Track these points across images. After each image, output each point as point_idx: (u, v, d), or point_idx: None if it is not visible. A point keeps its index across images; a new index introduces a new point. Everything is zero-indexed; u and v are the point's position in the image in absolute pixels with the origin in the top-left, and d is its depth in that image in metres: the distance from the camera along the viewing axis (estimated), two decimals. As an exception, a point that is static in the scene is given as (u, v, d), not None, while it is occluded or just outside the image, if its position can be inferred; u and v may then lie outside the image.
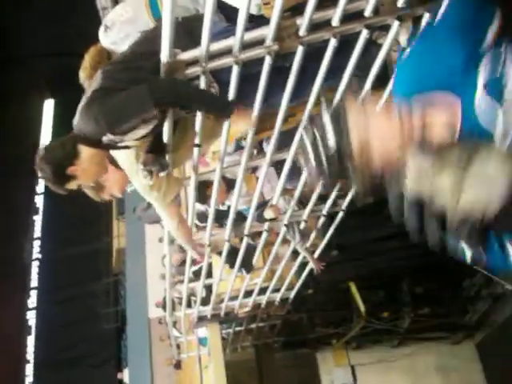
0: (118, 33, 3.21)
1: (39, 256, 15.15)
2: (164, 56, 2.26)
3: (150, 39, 2.59)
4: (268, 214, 4.12)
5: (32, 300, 14.71)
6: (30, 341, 14.26)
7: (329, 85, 2.74)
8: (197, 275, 5.51)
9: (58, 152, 2.53)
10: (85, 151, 2.51)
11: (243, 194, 4.14)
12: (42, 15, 13.78)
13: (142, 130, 2.53)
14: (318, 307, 6.93)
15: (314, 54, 2.46)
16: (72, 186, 2.59)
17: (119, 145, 2.58)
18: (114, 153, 2.75)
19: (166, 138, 2.65)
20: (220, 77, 2.60)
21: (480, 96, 1.50)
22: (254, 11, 2.48)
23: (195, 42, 2.33)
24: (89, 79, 2.95)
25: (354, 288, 6.49)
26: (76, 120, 2.48)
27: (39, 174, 2.56)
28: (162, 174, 2.78)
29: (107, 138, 2.47)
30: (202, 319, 6.29)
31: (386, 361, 8.13)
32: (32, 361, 14.07)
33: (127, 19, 3.26)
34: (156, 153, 2.70)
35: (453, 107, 1.49)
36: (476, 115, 1.48)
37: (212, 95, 2.64)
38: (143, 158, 2.69)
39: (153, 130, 2.58)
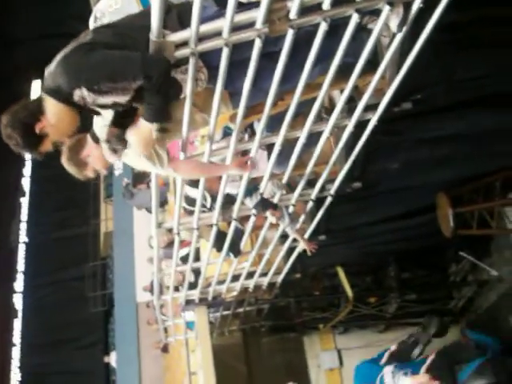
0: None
1: (26, 239, 15.08)
2: (153, 35, 2.23)
3: (148, 15, 2.54)
4: (270, 218, 4.13)
5: (19, 283, 14.67)
6: (17, 324, 14.24)
7: (319, 70, 2.74)
8: (184, 261, 5.51)
9: (22, 113, 2.41)
10: (51, 106, 2.39)
11: (236, 179, 4.12)
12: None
13: (115, 99, 2.41)
14: (306, 292, 6.96)
15: (304, 39, 2.44)
16: (46, 146, 2.47)
17: (89, 106, 2.44)
18: (96, 129, 2.71)
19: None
20: (209, 62, 2.58)
21: None
22: (243, -2, 2.46)
23: (185, 26, 2.31)
24: None
25: (341, 273, 6.51)
26: (50, 70, 2.36)
27: (9, 143, 2.42)
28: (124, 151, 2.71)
29: (80, 93, 2.33)
30: (189, 303, 6.31)
31: (372, 345, 8.16)
32: (18, 344, 14.07)
33: (116, 10, 3.23)
34: (119, 128, 2.64)
35: None
36: None
37: (164, 104, 2.49)
38: (107, 133, 2.62)
39: (123, 105, 2.48)
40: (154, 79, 2.28)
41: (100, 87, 2.31)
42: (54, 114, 2.41)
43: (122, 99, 2.42)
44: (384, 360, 4.99)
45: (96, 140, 2.71)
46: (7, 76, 14.12)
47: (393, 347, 5.15)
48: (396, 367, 4.78)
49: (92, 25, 3.28)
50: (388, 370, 4.78)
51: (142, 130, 2.58)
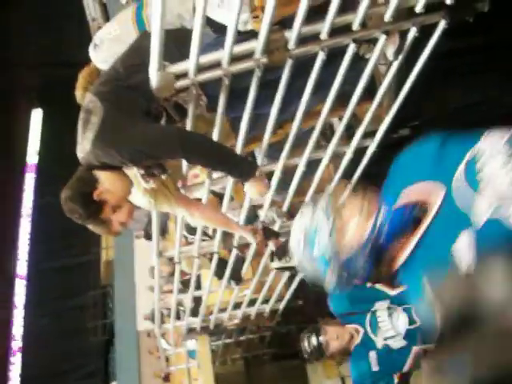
0: (107, 51, 3.22)
1: (25, 268, 15.01)
2: (153, 68, 2.27)
3: (135, 51, 2.60)
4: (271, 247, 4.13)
5: (18, 312, 14.56)
6: (17, 355, 14.10)
7: (317, 98, 2.77)
8: (185, 285, 5.49)
9: (78, 185, 2.49)
10: (101, 174, 2.48)
11: (235, 207, 4.13)
12: (32, 25, 13.79)
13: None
14: (308, 318, 6.91)
15: (301, 68, 2.48)
16: (107, 213, 2.52)
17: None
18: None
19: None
20: (208, 90, 2.61)
21: (457, 179, 1.63)
22: (240, 28, 2.50)
23: (184, 54, 2.35)
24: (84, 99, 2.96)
25: (343, 299, 6.49)
26: (86, 149, 2.44)
27: (72, 217, 2.50)
28: (163, 177, 2.76)
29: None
30: (191, 331, 6.27)
31: (375, 372, 8.13)
32: (18, 375, 13.92)
33: (115, 37, 3.27)
34: None
35: (435, 192, 1.65)
36: (453, 199, 1.60)
37: (236, 157, 2.62)
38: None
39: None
40: (195, 152, 2.43)
41: (143, 161, 2.50)
42: (107, 180, 2.49)
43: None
44: None
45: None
46: (5, 103, 14.20)
47: None
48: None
49: (91, 53, 3.31)
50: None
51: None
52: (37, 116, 16.19)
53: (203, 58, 2.33)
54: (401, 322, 3.30)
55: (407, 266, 1.69)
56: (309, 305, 6.53)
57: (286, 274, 5.12)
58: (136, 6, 3.30)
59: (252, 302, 5.79)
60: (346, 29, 2.40)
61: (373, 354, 3.31)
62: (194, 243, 4.12)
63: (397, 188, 1.74)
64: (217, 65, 2.36)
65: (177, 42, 2.48)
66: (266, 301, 5.87)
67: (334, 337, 3.37)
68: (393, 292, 3.33)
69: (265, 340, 7.43)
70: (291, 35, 2.30)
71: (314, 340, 3.35)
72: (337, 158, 3.44)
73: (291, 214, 4.10)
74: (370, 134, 3.28)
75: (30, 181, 16.14)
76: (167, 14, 2.06)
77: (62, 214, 2.52)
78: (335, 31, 2.37)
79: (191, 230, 4.24)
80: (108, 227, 2.61)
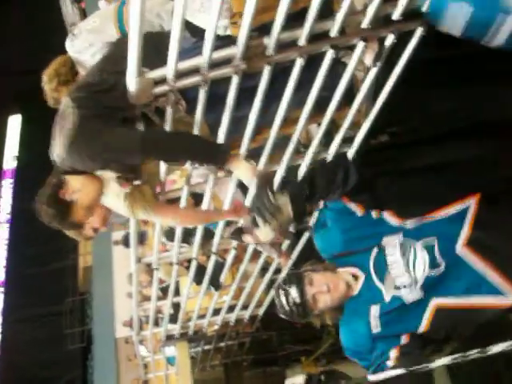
0: (83, 41, 3.21)
1: (3, 274, 14.83)
2: (131, 74, 2.25)
3: (111, 58, 2.60)
4: (246, 239, 4.09)
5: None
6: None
7: (295, 104, 2.77)
8: (164, 292, 5.45)
9: (46, 188, 2.52)
10: (71, 178, 2.50)
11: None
12: (11, 32, 13.68)
13: None
14: (287, 324, 6.91)
15: (279, 73, 2.48)
16: (79, 216, 2.53)
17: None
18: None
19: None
20: (188, 94, 2.61)
21: None
22: (220, 32, 2.50)
23: (162, 59, 2.34)
24: (53, 90, 2.96)
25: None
26: (61, 156, 2.44)
27: (45, 221, 2.51)
28: (136, 182, 2.74)
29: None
30: (170, 338, 6.22)
31: (356, 378, 8.14)
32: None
33: (93, 28, 3.27)
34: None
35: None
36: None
37: (207, 148, 2.61)
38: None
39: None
40: (156, 153, 2.51)
41: (111, 165, 2.51)
42: (76, 181, 2.52)
43: None
44: None
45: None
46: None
47: None
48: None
49: (68, 43, 3.30)
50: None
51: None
52: (15, 122, 16.05)
53: (182, 65, 2.31)
54: (419, 263, 2.36)
55: None
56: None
57: (266, 280, 5.11)
58: (120, 1, 3.31)
59: (231, 308, 5.78)
60: (324, 35, 2.41)
61: (375, 310, 2.40)
62: (172, 249, 4.09)
63: None
64: (195, 71, 2.35)
65: (156, 48, 2.47)
66: (245, 307, 5.85)
67: (323, 288, 2.47)
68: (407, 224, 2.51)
69: (244, 346, 7.41)
70: (270, 41, 2.30)
71: (294, 293, 2.45)
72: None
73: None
74: (348, 139, 3.29)
75: (7, 187, 15.97)
76: (146, 12, 2.05)
77: (38, 220, 2.52)
78: (314, 38, 2.38)
79: (170, 237, 4.21)
80: (79, 231, 2.61)
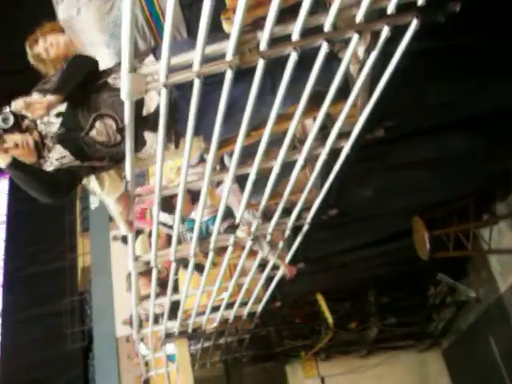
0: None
1: (2, 275, 14.80)
2: (124, 69, 2.23)
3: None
4: (240, 233, 4.10)
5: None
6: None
7: (291, 100, 2.76)
8: (162, 286, 5.43)
9: None
10: None
11: (207, 206, 4.10)
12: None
13: None
14: (286, 320, 6.92)
15: (274, 69, 2.47)
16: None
17: None
18: None
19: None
20: (179, 91, 2.60)
21: None
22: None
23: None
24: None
25: (321, 300, 6.50)
26: None
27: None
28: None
29: None
30: (169, 336, 6.22)
31: (355, 371, 8.14)
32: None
33: None
34: None
35: None
36: None
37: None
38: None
39: None
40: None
41: None
42: None
43: None
44: None
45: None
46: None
47: None
48: None
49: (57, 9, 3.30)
50: None
51: None
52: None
53: (175, 60, 2.29)
54: None
55: None
56: (287, 306, 6.54)
57: (264, 276, 5.11)
58: None
59: (230, 305, 5.77)
60: (319, 29, 2.39)
61: None
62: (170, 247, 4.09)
63: None
64: (188, 66, 2.32)
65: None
66: (244, 303, 5.85)
67: None
68: None
69: (244, 342, 7.41)
70: (263, 36, 2.28)
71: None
72: (312, 159, 3.43)
73: (267, 216, 4.09)
74: (344, 134, 3.28)
75: (3, 187, 15.93)
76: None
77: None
78: (308, 32, 2.36)
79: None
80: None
